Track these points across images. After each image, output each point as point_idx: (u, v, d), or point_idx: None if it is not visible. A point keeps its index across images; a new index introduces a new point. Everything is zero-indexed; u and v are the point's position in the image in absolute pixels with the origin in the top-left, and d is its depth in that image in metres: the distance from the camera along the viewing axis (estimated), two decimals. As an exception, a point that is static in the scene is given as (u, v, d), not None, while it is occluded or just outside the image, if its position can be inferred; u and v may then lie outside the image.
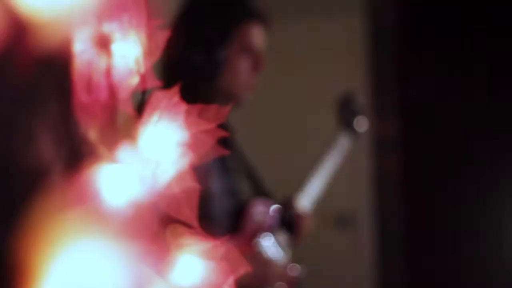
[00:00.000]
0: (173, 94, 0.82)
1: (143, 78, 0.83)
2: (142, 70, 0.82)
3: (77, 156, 0.72)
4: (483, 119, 3.39)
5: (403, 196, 3.45)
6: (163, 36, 0.84)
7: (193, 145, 0.83)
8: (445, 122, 3.42)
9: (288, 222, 1.87)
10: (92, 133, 0.74)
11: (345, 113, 2.16)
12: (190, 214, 0.80)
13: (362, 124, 2.18)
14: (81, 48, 0.76)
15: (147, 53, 0.83)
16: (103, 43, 0.77)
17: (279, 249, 1.81)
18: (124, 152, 0.75)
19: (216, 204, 1.68)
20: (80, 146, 0.73)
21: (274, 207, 1.86)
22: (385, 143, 3.20)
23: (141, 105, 0.86)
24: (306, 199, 1.93)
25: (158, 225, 0.76)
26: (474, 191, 3.39)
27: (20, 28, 0.50)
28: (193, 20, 1.71)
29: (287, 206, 1.87)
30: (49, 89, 0.69)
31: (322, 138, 3.53)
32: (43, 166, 0.66)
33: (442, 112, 3.42)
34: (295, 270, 1.79)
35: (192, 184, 0.81)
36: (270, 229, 1.81)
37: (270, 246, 1.79)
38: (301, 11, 3.36)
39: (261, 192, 1.90)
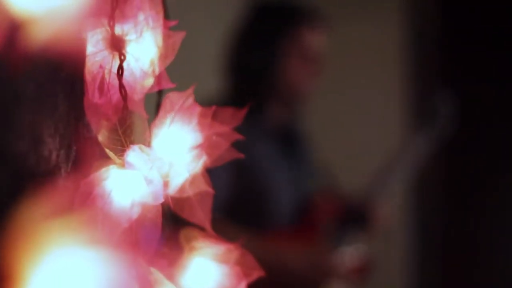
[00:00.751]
0: (188, 96, 0.82)
1: (157, 79, 0.82)
2: (157, 71, 0.81)
3: (86, 158, 0.72)
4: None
5: (443, 204, 3.40)
6: (178, 37, 0.83)
7: (207, 147, 0.82)
8: (487, 129, 3.35)
9: (359, 215, 1.87)
10: (102, 135, 0.74)
11: (429, 115, 2.18)
12: (203, 217, 0.79)
13: (440, 127, 2.18)
14: (93, 50, 0.75)
15: (162, 55, 0.82)
16: (117, 44, 0.77)
17: (349, 242, 1.82)
18: (133, 154, 0.74)
19: (283, 195, 1.72)
20: (89, 149, 0.73)
21: (344, 199, 1.88)
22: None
23: (155, 107, 0.85)
24: (378, 193, 1.93)
25: (169, 228, 0.76)
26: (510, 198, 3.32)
27: (12, 27, 0.49)
28: (252, 23, 1.78)
29: (358, 199, 1.88)
30: (58, 89, 0.69)
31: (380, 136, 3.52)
32: (51, 168, 0.66)
33: (484, 119, 3.35)
34: (365, 262, 1.79)
35: (205, 187, 0.80)
36: (340, 221, 1.83)
37: (340, 238, 1.80)
38: (340, 17, 3.34)
39: (330, 184, 1.93)
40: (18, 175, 0.55)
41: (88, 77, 0.74)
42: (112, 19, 0.75)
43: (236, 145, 1.68)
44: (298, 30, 1.80)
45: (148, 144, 0.77)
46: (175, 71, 0.84)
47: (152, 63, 0.81)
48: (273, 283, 1.66)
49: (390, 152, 2.84)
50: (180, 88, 0.85)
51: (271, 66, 1.77)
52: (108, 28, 0.76)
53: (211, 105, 0.69)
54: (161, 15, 0.83)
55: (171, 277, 0.74)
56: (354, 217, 1.86)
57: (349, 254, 1.74)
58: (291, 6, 1.81)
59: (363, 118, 3.38)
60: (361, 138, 3.38)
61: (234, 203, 1.67)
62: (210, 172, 1.67)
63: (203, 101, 0.81)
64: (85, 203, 0.67)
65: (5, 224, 0.47)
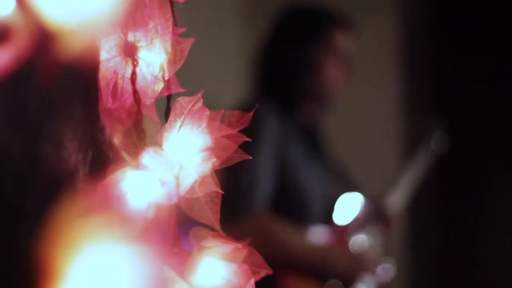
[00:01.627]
0: (197, 100, 0.84)
1: (167, 84, 0.85)
2: (167, 76, 0.84)
3: (102, 161, 0.75)
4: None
5: (438, 202, 3.43)
6: (187, 44, 0.86)
7: (216, 149, 0.84)
8: (481, 130, 3.39)
9: (380, 217, 1.92)
10: (116, 139, 0.77)
11: (427, 127, 2.24)
12: (212, 217, 0.82)
13: (442, 140, 2.25)
14: (107, 56, 0.78)
15: (171, 60, 0.85)
16: (129, 51, 0.80)
17: (370, 243, 1.86)
18: (148, 157, 0.77)
19: (316, 195, 1.77)
20: (105, 152, 0.76)
21: (366, 202, 1.91)
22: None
23: (166, 111, 0.88)
24: (395, 198, 1.98)
25: (179, 228, 0.78)
26: (509, 199, 3.36)
27: (45, 37, 0.52)
28: (288, 25, 1.82)
29: (378, 202, 1.93)
30: (75, 95, 0.72)
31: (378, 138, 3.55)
32: (69, 171, 0.69)
33: (477, 120, 3.39)
34: (386, 265, 1.84)
35: (214, 188, 0.83)
36: (362, 223, 1.87)
37: (362, 240, 1.85)
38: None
39: (350, 187, 1.97)
40: (51, 178, 0.58)
41: (102, 82, 0.77)
42: (125, 26, 0.77)
43: (277, 145, 1.72)
44: (331, 34, 1.85)
45: (160, 146, 0.80)
46: (186, 75, 0.87)
47: (162, 68, 0.84)
48: (318, 277, 1.72)
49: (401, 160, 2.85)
50: (192, 92, 0.88)
51: (306, 69, 1.82)
52: (122, 35, 0.79)
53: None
54: (170, 22, 0.86)
55: (182, 276, 0.76)
56: (375, 220, 1.91)
57: (372, 254, 1.80)
58: (324, 9, 1.85)
59: (359, 124, 3.41)
60: (357, 146, 3.42)
61: (276, 200, 1.72)
62: (255, 166, 1.69)
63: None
64: (102, 205, 0.69)
65: (42, 223, 0.50)
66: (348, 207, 1.84)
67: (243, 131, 1.71)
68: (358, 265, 1.73)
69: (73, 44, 0.52)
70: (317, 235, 1.75)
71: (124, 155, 0.75)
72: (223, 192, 0.82)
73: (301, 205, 1.76)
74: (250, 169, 1.65)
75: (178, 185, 0.79)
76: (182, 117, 0.83)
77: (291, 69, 1.79)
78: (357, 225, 1.85)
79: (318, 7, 1.86)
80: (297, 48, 1.81)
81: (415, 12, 3.46)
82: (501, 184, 3.38)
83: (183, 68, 0.88)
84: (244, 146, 1.70)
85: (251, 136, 1.76)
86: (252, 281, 0.82)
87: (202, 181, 0.83)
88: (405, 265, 3.44)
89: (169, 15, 0.85)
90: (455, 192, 3.48)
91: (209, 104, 0.87)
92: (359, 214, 1.87)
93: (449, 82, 3.39)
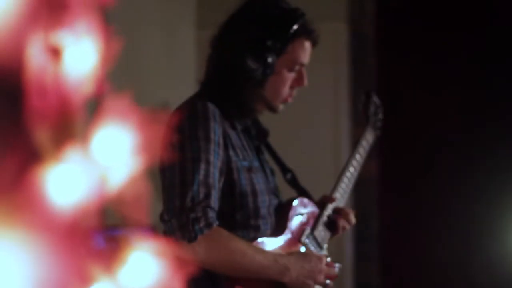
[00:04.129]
0: (125, 99, 0.85)
1: (96, 83, 0.86)
2: (96, 75, 0.85)
3: (27, 159, 0.75)
4: (459, 123, 3.46)
5: (380, 200, 3.50)
6: (116, 43, 0.87)
7: (145, 148, 0.86)
8: (422, 127, 3.47)
9: (327, 219, 1.91)
10: (43, 137, 0.77)
11: (369, 110, 2.21)
12: (141, 215, 0.83)
13: (381, 119, 2.23)
14: (33, 54, 0.79)
15: (101, 59, 0.86)
16: (55, 50, 0.80)
17: (319, 246, 1.86)
18: (75, 155, 0.78)
19: (264, 201, 1.73)
20: (30, 150, 0.76)
21: (313, 204, 1.90)
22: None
23: (94, 110, 0.88)
24: (339, 195, 1.98)
25: (104, 226, 0.79)
26: (448, 195, 3.45)
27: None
28: (254, 24, 1.73)
29: (325, 204, 1.91)
30: (0, 95, 0.72)
31: (321, 138, 3.59)
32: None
33: (419, 118, 3.47)
34: (334, 266, 1.84)
35: (142, 186, 0.84)
36: (312, 226, 1.86)
37: (312, 241, 1.84)
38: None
39: (298, 190, 1.94)
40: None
41: (28, 82, 0.77)
42: (49, 25, 0.78)
43: (222, 144, 1.68)
44: (296, 42, 1.79)
45: (87, 145, 0.81)
46: (120, 75, 0.88)
47: (91, 68, 0.85)
48: (273, 285, 1.70)
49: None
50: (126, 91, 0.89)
51: (263, 75, 1.75)
52: (47, 35, 0.79)
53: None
54: (100, 21, 0.86)
55: (109, 272, 0.77)
56: (323, 221, 1.90)
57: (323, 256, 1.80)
58: (292, 14, 1.76)
59: (302, 120, 3.45)
60: (300, 139, 3.46)
61: (223, 203, 1.66)
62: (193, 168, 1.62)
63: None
64: (25, 202, 0.70)
65: None
66: (294, 209, 1.84)
67: (188, 131, 1.69)
68: (315, 270, 1.74)
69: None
70: (270, 243, 1.74)
71: (50, 153, 0.76)
72: (150, 191, 0.83)
73: (249, 208, 1.73)
74: (199, 173, 1.61)
75: (104, 183, 0.80)
76: (111, 116, 0.84)
77: (249, 75, 1.74)
78: (306, 227, 1.85)
79: (286, 8, 1.78)
80: (260, 54, 1.75)
81: (363, 21, 3.54)
82: (441, 181, 3.48)
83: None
84: (188, 148, 1.69)
85: (196, 136, 1.75)
86: (179, 275, 0.83)
87: (131, 179, 0.84)
88: (350, 266, 3.50)
89: (99, 14, 0.86)
90: (396, 192, 3.56)
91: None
92: (307, 215, 1.87)
93: (393, 84, 3.47)
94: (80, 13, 0.83)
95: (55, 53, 0.80)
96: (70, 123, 0.81)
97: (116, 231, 0.82)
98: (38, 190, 0.73)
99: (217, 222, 1.58)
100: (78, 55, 0.83)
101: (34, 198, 0.73)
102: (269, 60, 1.71)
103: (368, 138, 2.11)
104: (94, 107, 0.87)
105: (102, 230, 0.79)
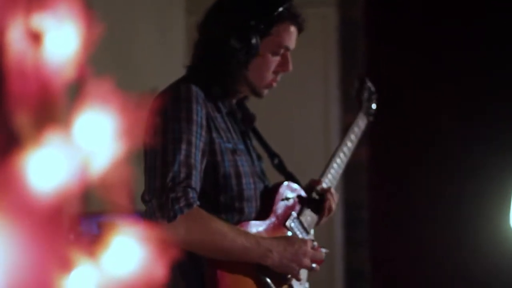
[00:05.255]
0: (107, 84, 0.85)
1: (78, 68, 0.85)
2: (78, 60, 0.85)
3: (7, 143, 0.75)
4: (451, 109, 3.47)
5: (371, 185, 3.51)
6: (98, 28, 0.87)
7: (127, 133, 0.85)
8: (413, 113, 3.49)
9: (314, 203, 1.91)
10: (23, 121, 0.77)
11: (362, 95, 2.21)
12: (124, 199, 0.83)
13: (374, 105, 2.23)
14: (14, 38, 0.78)
15: (83, 44, 0.85)
16: (36, 34, 0.80)
17: (306, 230, 1.86)
18: (56, 140, 0.77)
19: (249, 184, 1.73)
20: (10, 134, 0.76)
21: (300, 188, 1.90)
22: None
23: (77, 94, 0.88)
24: (327, 181, 1.98)
25: (87, 211, 0.79)
26: (439, 180, 3.47)
27: None
28: (238, 6, 1.74)
29: (312, 188, 1.91)
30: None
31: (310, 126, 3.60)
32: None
33: (409, 104, 3.48)
34: (321, 250, 1.84)
35: (126, 170, 0.84)
36: (298, 210, 1.86)
37: (298, 226, 1.84)
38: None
39: (285, 175, 1.94)
40: None
41: (8, 67, 0.77)
42: (30, 9, 0.77)
43: (206, 127, 1.69)
44: (281, 26, 1.79)
45: (69, 130, 0.80)
46: (110, 61, 0.87)
47: (72, 52, 0.84)
48: (256, 269, 1.70)
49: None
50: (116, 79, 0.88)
51: (248, 57, 1.75)
52: (28, 19, 0.79)
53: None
54: (82, 6, 0.86)
55: (91, 256, 0.77)
56: (310, 205, 1.90)
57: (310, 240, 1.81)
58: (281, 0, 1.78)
59: (293, 109, 3.45)
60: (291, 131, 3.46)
61: (207, 185, 1.66)
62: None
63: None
64: (5, 187, 0.70)
65: None
66: (280, 194, 1.83)
67: (170, 113, 1.69)
68: (299, 253, 1.73)
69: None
70: (255, 226, 1.74)
71: (30, 138, 0.75)
72: (134, 175, 0.83)
73: (233, 190, 1.73)
74: (180, 154, 1.60)
75: (86, 167, 0.80)
76: (93, 101, 0.84)
77: (234, 51, 1.74)
78: (292, 211, 1.85)
79: None
80: (244, 34, 1.75)
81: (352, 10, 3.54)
82: (430, 168, 3.50)
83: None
84: (170, 129, 1.69)
85: (178, 117, 1.75)
86: (163, 259, 0.83)
87: (114, 163, 0.84)
88: (340, 250, 3.51)
89: (79, 0, 0.85)
90: (386, 178, 3.58)
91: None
92: (293, 200, 1.87)
93: (382, 69, 3.48)
94: (61, -3, 0.82)
95: (36, 37, 0.79)
96: (51, 107, 0.81)
97: (99, 216, 0.82)
98: (18, 175, 0.73)
99: (197, 203, 1.58)
100: (59, 39, 0.82)
101: (14, 182, 0.72)
102: (253, 41, 1.72)
103: (360, 124, 2.11)
104: (76, 92, 0.87)
105: (85, 215, 0.78)
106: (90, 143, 0.83)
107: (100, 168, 0.83)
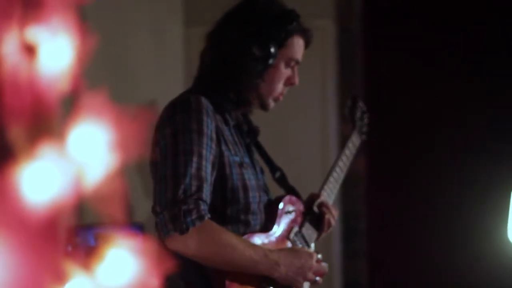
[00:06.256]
0: (102, 96, 0.85)
1: (72, 80, 0.85)
2: (72, 72, 0.85)
3: (2, 156, 0.75)
4: (447, 120, 3.48)
5: (369, 197, 3.51)
6: (92, 40, 0.87)
7: (121, 145, 0.85)
8: (410, 124, 3.50)
9: (315, 217, 1.92)
10: (17, 134, 0.77)
11: (355, 115, 2.23)
12: (119, 211, 0.83)
13: (367, 123, 2.25)
14: (8, 51, 0.78)
15: (77, 56, 0.85)
16: (30, 47, 0.80)
17: (307, 244, 1.87)
18: (50, 152, 0.77)
19: (255, 197, 1.73)
20: (4, 147, 0.76)
21: (302, 203, 1.91)
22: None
23: (71, 107, 0.88)
24: (326, 195, 1.99)
25: (81, 224, 0.79)
26: (436, 191, 3.47)
27: None
28: (256, 16, 1.75)
29: (313, 201, 1.92)
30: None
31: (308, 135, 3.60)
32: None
33: (407, 115, 3.49)
34: (322, 263, 1.85)
35: (120, 182, 0.84)
36: (300, 223, 1.87)
37: (300, 239, 1.85)
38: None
39: (286, 189, 1.95)
40: None
41: (2, 79, 0.77)
42: (24, 22, 0.78)
43: (215, 139, 1.69)
44: (295, 38, 1.81)
45: (63, 143, 0.80)
46: (107, 74, 0.88)
47: (67, 65, 0.84)
48: (261, 280, 1.70)
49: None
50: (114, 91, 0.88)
51: (265, 64, 1.76)
52: (22, 32, 0.79)
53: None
54: (77, 19, 0.86)
55: (86, 268, 0.77)
56: (310, 219, 1.92)
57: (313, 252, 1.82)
58: (290, 12, 1.80)
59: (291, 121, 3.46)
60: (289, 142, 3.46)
61: (215, 198, 1.65)
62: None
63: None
64: (0, 200, 0.70)
65: None
66: (282, 207, 1.84)
67: (181, 124, 1.69)
68: (305, 266, 1.75)
69: None
70: (259, 239, 1.75)
71: (24, 150, 0.75)
72: (126, 189, 0.83)
73: (240, 203, 1.73)
74: (192, 166, 1.60)
75: (80, 180, 0.80)
76: (87, 114, 0.84)
77: (251, 63, 1.74)
78: (294, 224, 1.86)
79: (282, 5, 1.81)
80: (264, 43, 1.76)
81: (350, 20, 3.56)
82: (428, 181, 3.51)
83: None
84: (181, 140, 1.69)
85: (189, 128, 1.75)
86: (157, 272, 0.83)
87: (108, 176, 0.84)
88: (339, 261, 3.51)
89: (75, 11, 0.86)
90: (385, 188, 3.58)
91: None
92: (295, 213, 1.88)
93: (380, 81, 3.49)
94: (56, 10, 0.83)
95: (30, 49, 0.80)
96: (46, 120, 0.81)
97: (93, 228, 0.82)
98: (13, 187, 0.73)
99: (209, 215, 1.58)
100: (54, 51, 0.82)
101: (8, 195, 0.72)
102: (272, 49, 1.73)
103: (355, 142, 2.12)
104: (71, 104, 0.87)
105: (80, 228, 0.78)
106: (85, 156, 0.83)
107: (95, 180, 0.83)
